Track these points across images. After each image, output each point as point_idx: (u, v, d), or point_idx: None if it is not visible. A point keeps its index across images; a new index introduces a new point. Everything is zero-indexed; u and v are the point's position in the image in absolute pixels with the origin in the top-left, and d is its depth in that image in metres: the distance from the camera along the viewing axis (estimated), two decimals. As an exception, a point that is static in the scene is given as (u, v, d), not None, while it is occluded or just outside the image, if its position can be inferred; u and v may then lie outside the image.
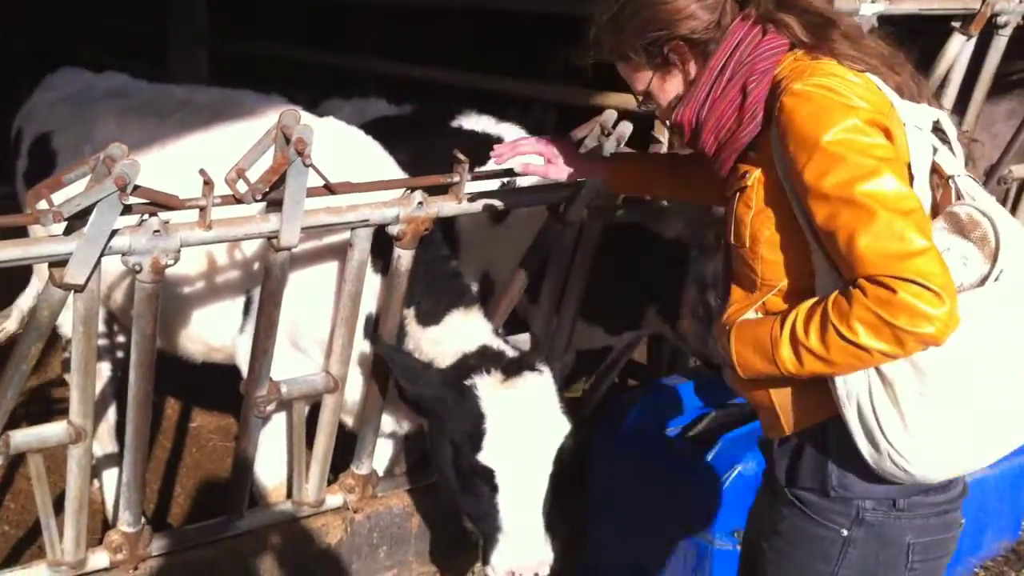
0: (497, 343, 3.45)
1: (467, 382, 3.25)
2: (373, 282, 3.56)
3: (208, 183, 2.95)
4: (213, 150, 3.35)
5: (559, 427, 3.28)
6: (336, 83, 5.13)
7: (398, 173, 3.68)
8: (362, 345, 3.63)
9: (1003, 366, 2.27)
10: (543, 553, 3.24)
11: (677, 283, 4.02)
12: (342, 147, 3.65)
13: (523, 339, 4.03)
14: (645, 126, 4.28)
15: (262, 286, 3.28)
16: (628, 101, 4.63)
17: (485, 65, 6.08)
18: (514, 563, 3.23)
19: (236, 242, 3.49)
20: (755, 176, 2.41)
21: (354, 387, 3.73)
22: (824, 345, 2.21)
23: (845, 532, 2.43)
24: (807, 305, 2.28)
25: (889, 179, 2.17)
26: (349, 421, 3.90)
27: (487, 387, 3.24)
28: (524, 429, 3.22)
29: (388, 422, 3.85)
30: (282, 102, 3.83)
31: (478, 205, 3.46)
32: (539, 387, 3.29)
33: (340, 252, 3.45)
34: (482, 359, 3.34)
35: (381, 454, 4.05)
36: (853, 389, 2.30)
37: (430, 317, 3.54)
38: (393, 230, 3.32)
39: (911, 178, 2.30)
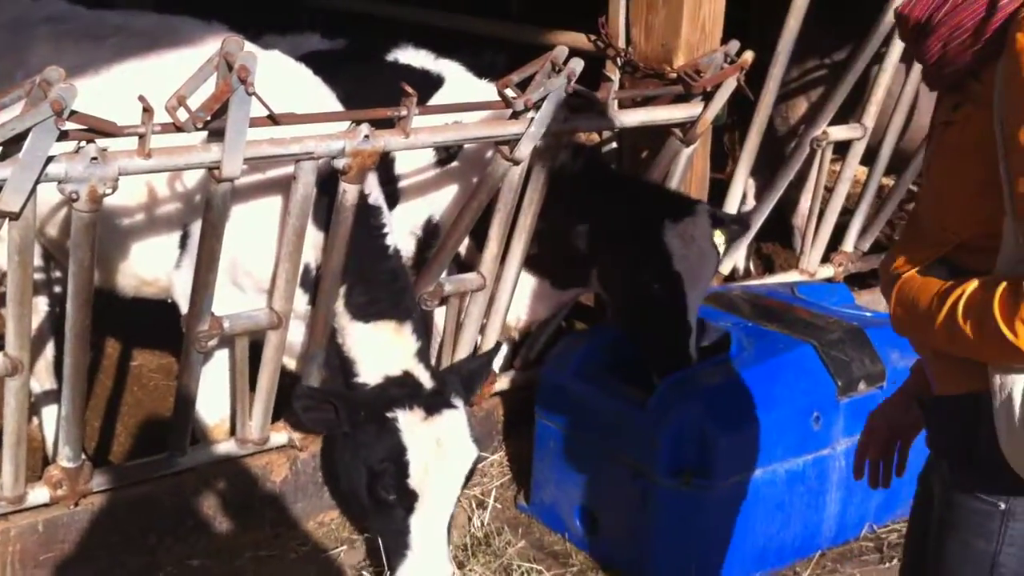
0: (419, 370, 3.57)
1: (389, 415, 3.43)
2: (313, 236, 3.52)
3: (148, 110, 2.89)
4: (152, 77, 3.28)
5: (470, 455, 3.54)
6: (282, 17, 5.03)
7: (340, 109, 3.63)
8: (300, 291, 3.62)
9: None
10: (447, 569, 3.51)
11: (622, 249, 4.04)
12: (285, 80, 3.59)
13: (470, 279, 4.01)
14: (596, 64, 4.26)
15: (203, 218, 3.23)
16: (579, 40, 4.65)
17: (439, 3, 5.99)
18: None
19: (176, 173, 3.43)
20: (966, 112, 2.12)
21: (296, 328, 3.71)
22: (980, 336, 2.01)
23: (1003, 505, 2.20)
24: (974, 285, 2.05)
25: None
26: (292, 364, 3.87)
27: (409, 423, 3.44)
28: (440, 462, 3.46)
29: None
30: (223, 30, 3.74)
31: (425, 140, 3.43)
32: (455, 422, 3.52)
33: (284, 186, 3.40)
34: (403, 389, 3.51)
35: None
36: (1008, 382, 2.06)
37: (360, 311, 3.58)
38: (339, 164, 3.28)
39: None
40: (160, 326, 4.20)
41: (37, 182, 2.82)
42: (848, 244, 5.53)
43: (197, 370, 3.57)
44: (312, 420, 3.50)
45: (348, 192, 3.34)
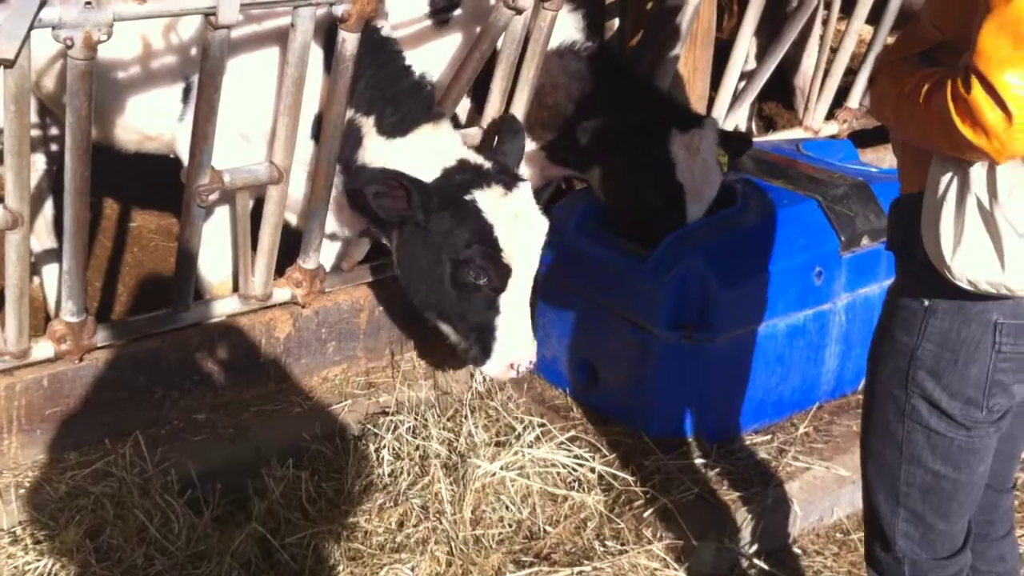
0: (471, 155, 3.52)
1: (467, 197, 3.36)
2: (321, 81, 3.46)
3: (142, -47, 2.81)
4: None
5: (545, 224, 3.53)
6: None
7: None
8: (307, 141, 3.57)
9: None
10: (534, 347, 3.55)
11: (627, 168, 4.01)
12: None
13: (472, 133, 3.96)
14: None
15: (200, 67, 3.17)
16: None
17: None
18: (513, 357, 3.51)
19: (174, 22, 3.35)
20: None
21: (298, 183, 3.67)
22: (911, 115, 2.21)
23: (927, 302, 2.37)
24: (926, 72, 2.24)
25: None
26: (293, 220, 3.84)
27: (489, 201, 3.39)
28: (523, 234, 3.45)
29: (331, 225, 3.83)
30: None
31: (426, -15, 3.34)
32: (527, 193, 3.50)
33: (284, 36, 3.33)
34: (468, 172, 3.44)
35: (327, 250, 4.02)
36: (940, 171, 2.23)
37: (396, 129, 3.52)
38: (338, 10, 3.21)
39: None
40: (159, 187, 4.17)
41: (31, 27, 2.76)
42: (853, 100, 5.48)
43: (198, 225, 3.55)
44: (382, 207, 3.38)
45: (348, 41, 3.28)
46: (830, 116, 5.47)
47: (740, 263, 3.87)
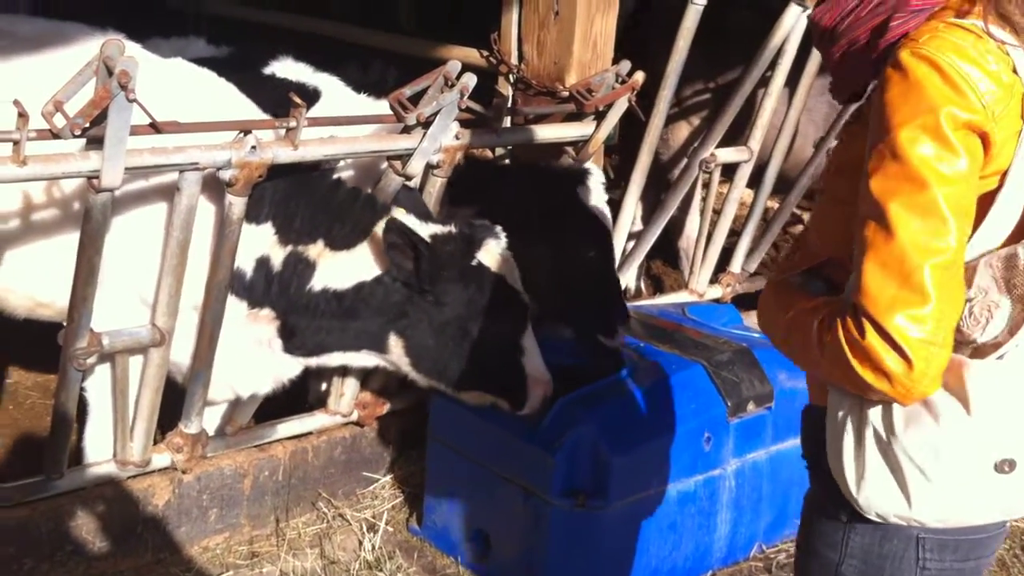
0: (434, 228, 3.57)
1: (473, 263, 3.52)
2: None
3: (23, 115, 2.79)
4: (33, 82, 3.16)
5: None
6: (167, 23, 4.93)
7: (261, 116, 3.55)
8: (195, 297, 3.51)
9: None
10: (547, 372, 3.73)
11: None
12: (196, 88, 3.55)
13: None
14: (488, 80, 4.25)
15: (82, 229, 3.12)
16: (471, 55, 4.64)
17: (329, 13, 5.94)
18: (543, 385, 3.70)
19: (56, 181, 3.30)
20: (853, 131, 2.17)
21: (185, 342, 3.60)
22: (803, 348, 2.09)
23: (844, 518, 2.23)
24: (813, 303, 2.11)
25: (932, 204, 1.88)
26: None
27: (492, 255, 3.55)
28: (515, 264, 3.63)
29: (256, 383, 3.80)
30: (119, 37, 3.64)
31: (314, 152, 3.37)
32: (500, 227, 3.64)
33: (170, 196, 3.31)
34: (450, 243, 3.52)
35: (212, 413, 3.93)
36: (836, 401, 2.13)
37: (351, 239, 3.54)
38: (225, 175, 3.20)
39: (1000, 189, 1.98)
40: (36, 342, 4.05)
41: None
42: (735, 265, 5.59)
43: (75, 389, 3.44)
44: (392, 256, 3.43)
45: (235, 205, 3.27)
46: (714, 280, 5.57)
47: (631, 429, 3.85)
